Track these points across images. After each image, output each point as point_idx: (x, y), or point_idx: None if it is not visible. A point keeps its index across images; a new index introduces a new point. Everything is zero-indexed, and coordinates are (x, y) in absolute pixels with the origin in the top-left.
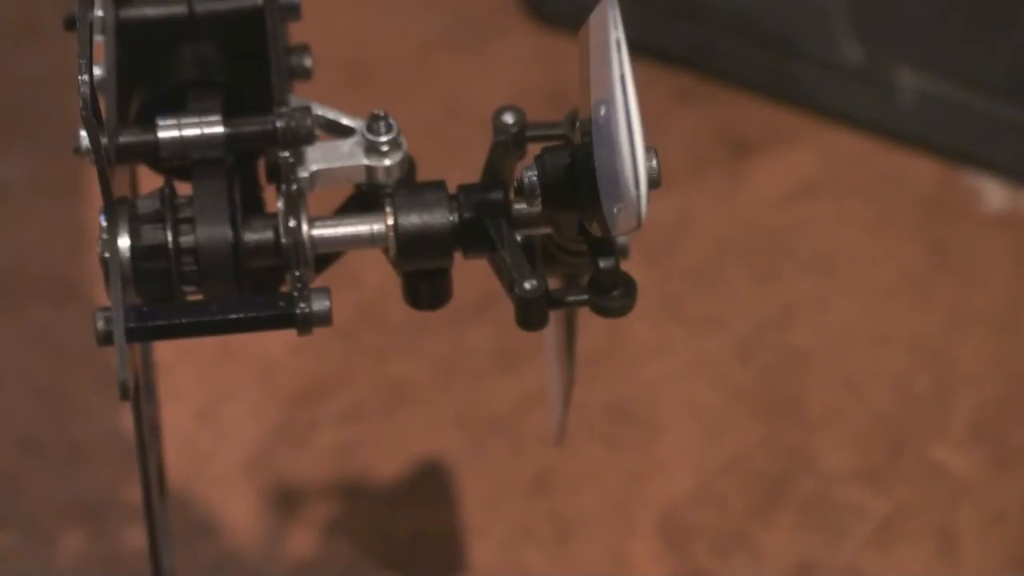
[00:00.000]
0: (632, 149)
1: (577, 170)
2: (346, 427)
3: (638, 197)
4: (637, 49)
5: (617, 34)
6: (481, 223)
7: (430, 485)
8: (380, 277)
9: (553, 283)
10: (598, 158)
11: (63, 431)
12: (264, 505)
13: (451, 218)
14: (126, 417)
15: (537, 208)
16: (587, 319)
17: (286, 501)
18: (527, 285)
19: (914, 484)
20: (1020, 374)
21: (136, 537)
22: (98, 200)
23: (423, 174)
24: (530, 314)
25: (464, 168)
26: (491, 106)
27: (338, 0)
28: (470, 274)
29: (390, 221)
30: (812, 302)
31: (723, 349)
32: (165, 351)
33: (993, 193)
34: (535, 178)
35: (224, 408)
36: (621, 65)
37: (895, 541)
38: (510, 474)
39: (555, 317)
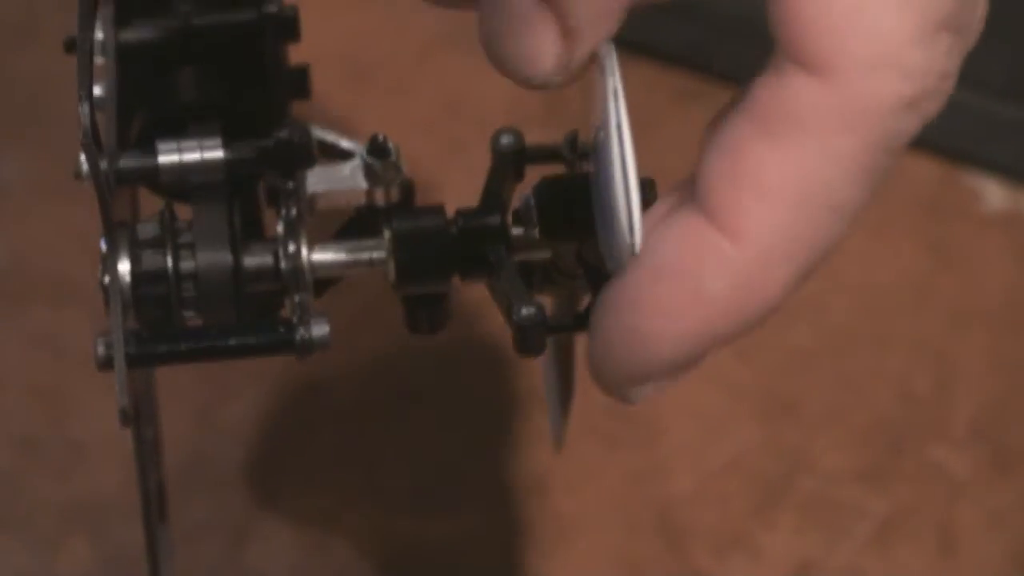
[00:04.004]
0: (628, 202)
1: (575, 202)
2: (346, 427)
3: (632, 246)
4: (637, 49)
5: (614, 83)
6: (480, 248)
7: (430, 485)
8: (381, 277)
9: (550, 302)
10: (595, 198)
11: (63, 431)
12: (264, 504)
13: (449, 243)
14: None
15: (535, 236)
16: None
17: (286, 501)
18: (524, 312)
19: (914, 484)
20: (1020, 374)
21: (136, 537)
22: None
23: (423, 173)
24: (528, 340)
25: (464, 168)
26: (491, 106)
27: None
28: None
29: (388, 246)
30: (812, 302)
31: (723, 349)
32: None
33: (993, 193)
34: (532, 205)
35: (224, 408)
36: (618, 114)
37: (895, 541)
38: (511, 474)
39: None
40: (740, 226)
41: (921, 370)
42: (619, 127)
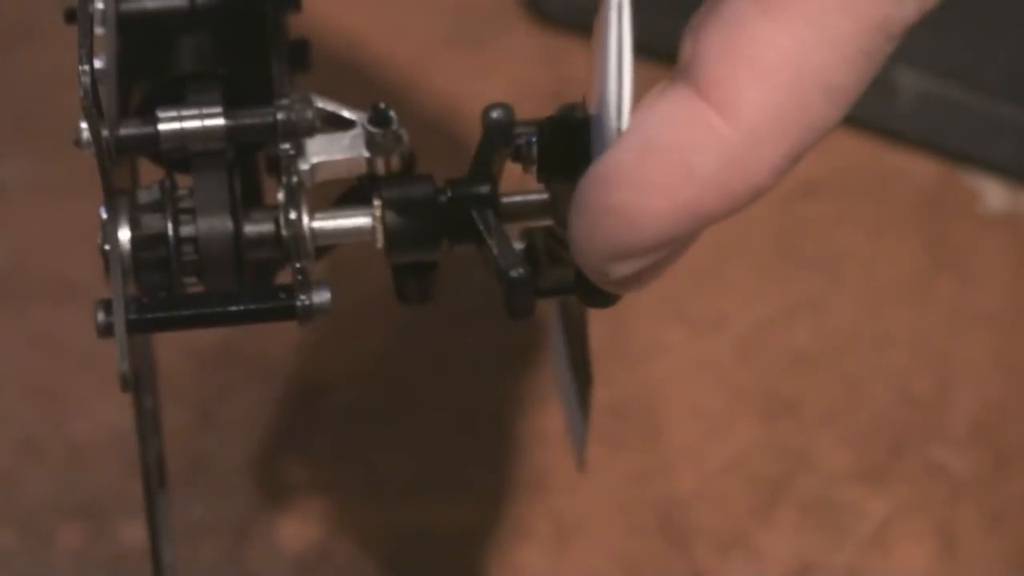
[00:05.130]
0: (619, 83)
1: (576, 141)
2: (346, 427)
3: (619, 128)
4: (637, 49)
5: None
6: (468, 215)
7: (430, 485)
8: (381, 277)
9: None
10: (594, 125)
11: (63, 431)
12: (265, 505)
13: (438, 210)
14: (126, 417)
15: (531, 195)
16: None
17: (287, 500)
18: (513, 273)
19: (914, 484)
20: (1020, 374)
21: (136, 537)
22: (98, 199)
23: (422, 171)
24: (517, 300)
25: (464, 166)
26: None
27: None
28: (470, 274)
29: (377, 213)
30: (812, 302)
31: (723, 349)
32: (165, 350)
33: (993, 193)
34: (533, 142)
35: (224, 408)
36: (620, 39)
37: (895, 541)
38: (510, 474)
39: (564, 334)
40: (733, 102)
41: (921, 370)
42: (619, 7)
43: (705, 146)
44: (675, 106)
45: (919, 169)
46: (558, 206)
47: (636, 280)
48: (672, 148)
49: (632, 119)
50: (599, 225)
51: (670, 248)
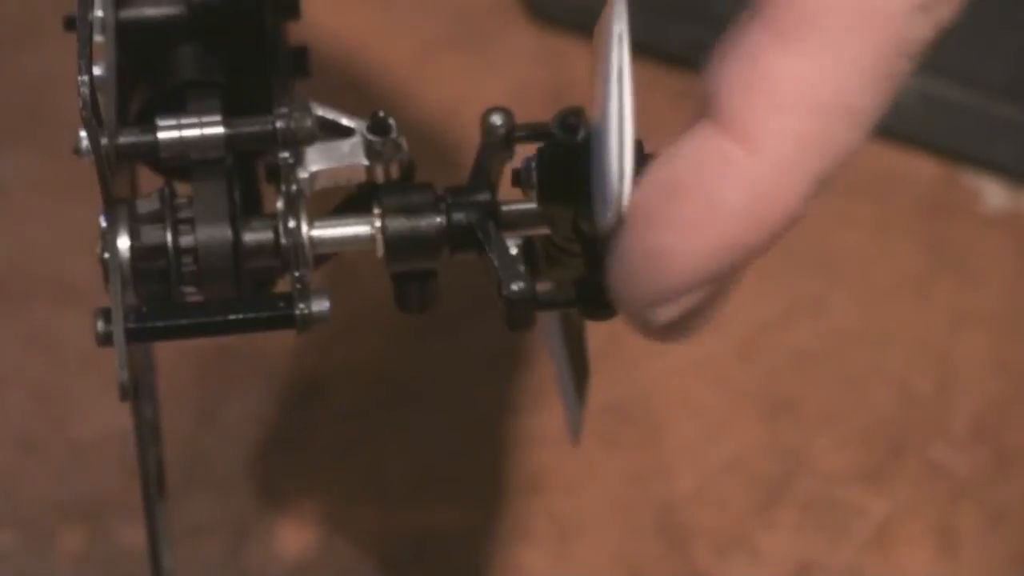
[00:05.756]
0: (621, 145)
1: (575, 167)
2: (346, 427)
3: (620, 194)
4: (637, 49)
5: (620, 27)
6: (469, 224)
7: (430, 485)
8: (380, 277)
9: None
10: (593, 155)
11: (63, 431)
12: (264, 505)
13: (438, 219)
14: (126, 417)
15: (531, 203)
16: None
17: (286, 501)
18: (514, 287)
19: (914, 484)
20: (1020, 374)
21: (136, 537)
22: (98, 200)
23: (423, 174)
24: (517, 315)
25: (464, 169)
26: (491, 106)
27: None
28: (469, 274)
29: (377, 223)
30: (812, 302)
31: (723, 349)
32: (165, 351)
33: (993, 193)
34: (533, 167)
35: (224, 408)
36: (620, 60)
37: (895, 541)
38: (510, 474)
39: (562, 326)
40: (756, 135)
41: (921, 370)
42: (620, 73)
43: (732, 182)
44: (698, 143)
45: (919, 169)
46: (556, 226)
47: (684, 326)
48: (699, 186)
49: (657, 160)
50: (634, 269)
51: (711, 287)
